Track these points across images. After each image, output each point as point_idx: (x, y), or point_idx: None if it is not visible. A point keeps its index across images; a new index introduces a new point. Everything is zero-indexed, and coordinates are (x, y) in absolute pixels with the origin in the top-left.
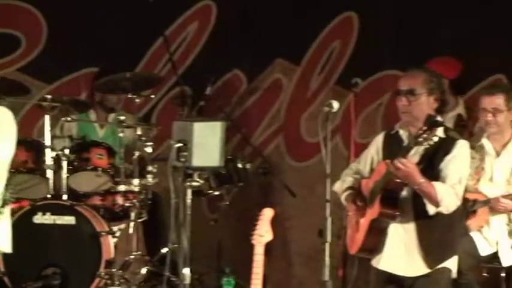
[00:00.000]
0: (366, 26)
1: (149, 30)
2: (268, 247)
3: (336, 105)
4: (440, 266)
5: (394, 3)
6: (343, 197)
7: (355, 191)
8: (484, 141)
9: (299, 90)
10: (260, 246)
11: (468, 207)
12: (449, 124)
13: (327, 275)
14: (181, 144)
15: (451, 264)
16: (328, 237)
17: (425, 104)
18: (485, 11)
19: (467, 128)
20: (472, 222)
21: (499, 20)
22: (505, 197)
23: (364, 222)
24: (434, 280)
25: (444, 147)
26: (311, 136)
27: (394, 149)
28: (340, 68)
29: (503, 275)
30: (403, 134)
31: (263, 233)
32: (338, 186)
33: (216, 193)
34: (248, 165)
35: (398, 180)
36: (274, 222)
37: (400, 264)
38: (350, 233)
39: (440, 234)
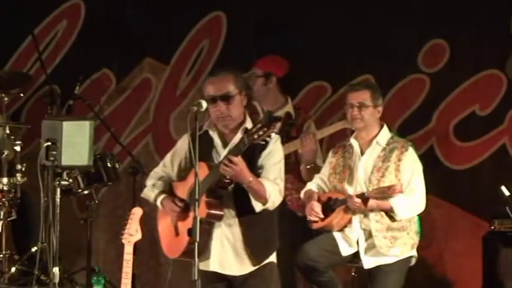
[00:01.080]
0: (234, 26)
1: (18, 28)
2: (138, 246)
3: (204, 104)
4: (266, 261)
5: (260, 4)
6: (158, 202)
7: (170, 195)
8: (352, 141)
9: (168, 89)
10: (130, 246)
11: (330, 206)
12: None
13: (196, 274)
14: (50, 143)
15: (274, 257)
16: (197, 237)
17: (240, 103)
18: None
19: (295, 126)
20: (331, 221)
21: (356, 22)
22: (358, 196)
23: (186, 225)
24: (265, 277)
25: (259, 144)
26: (180, 135)
27: (204, 149)
28: (209, 68)
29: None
30: (213, 134)
31: (133, 232)
32: (148, 192)
33: (85, 192)
34: (117, 164)
35: (225, 180)
36: (144, 222)
37: (228, 264)
38: (167, 237)
39: (263, 229)
